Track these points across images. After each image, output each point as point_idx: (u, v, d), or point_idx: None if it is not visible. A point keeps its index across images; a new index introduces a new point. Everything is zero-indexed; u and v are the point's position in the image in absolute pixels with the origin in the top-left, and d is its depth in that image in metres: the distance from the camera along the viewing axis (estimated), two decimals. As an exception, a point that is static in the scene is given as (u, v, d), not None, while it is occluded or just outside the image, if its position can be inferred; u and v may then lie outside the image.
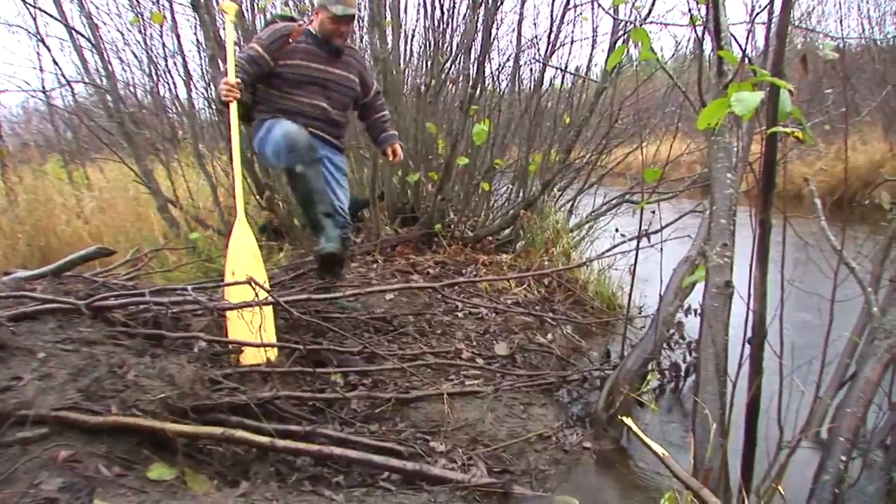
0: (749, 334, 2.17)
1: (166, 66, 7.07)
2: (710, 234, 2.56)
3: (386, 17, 5.73)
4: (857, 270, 2.92)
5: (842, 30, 14.41)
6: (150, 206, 6.95)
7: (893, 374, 3.24)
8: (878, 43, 13.11)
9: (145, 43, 7.02)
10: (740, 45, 3.02)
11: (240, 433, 2.49)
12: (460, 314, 4.59)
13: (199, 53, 6.91)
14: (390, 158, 4.61)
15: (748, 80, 2.05)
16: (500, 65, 7.13)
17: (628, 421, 1.75)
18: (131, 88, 7.92)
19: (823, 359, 2.47)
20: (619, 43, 5.99)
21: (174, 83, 7.26)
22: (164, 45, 7.00)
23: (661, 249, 3.63)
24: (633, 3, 5.78)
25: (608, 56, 6.13)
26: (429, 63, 6.56)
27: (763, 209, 2.04)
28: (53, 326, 2.89)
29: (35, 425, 2.20)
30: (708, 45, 3.05)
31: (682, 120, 7.49)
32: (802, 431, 2.62)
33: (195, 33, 6.59)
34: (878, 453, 3.11)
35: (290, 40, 4.13)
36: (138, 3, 6.98)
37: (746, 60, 2.69)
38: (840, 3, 13.87)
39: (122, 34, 7.33)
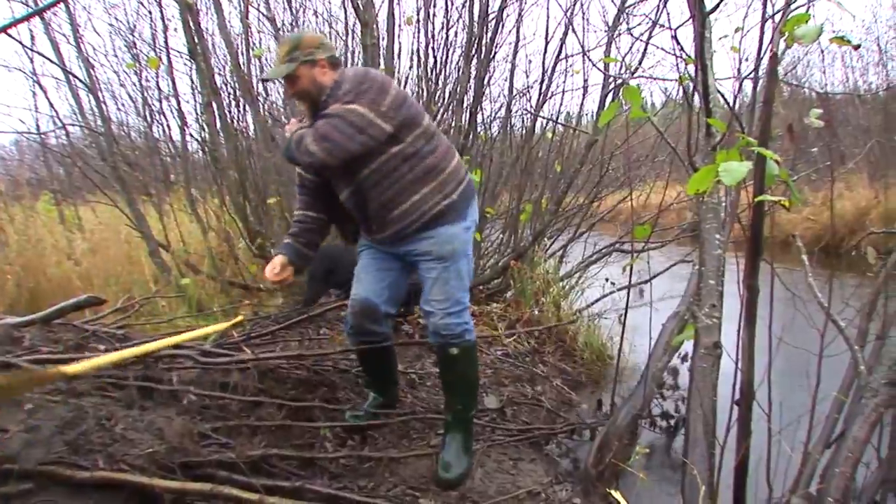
0: (737, 395, 2.19)
1: (160, 107, 7.15)
2: (699, 294, 2.58)
3: (380, 65, 5.79)
4: (844, 329, 2.95)
5: (824, 79, 14.67)
6: (141, 249, 6.94)
7: (882, 431, 3.26)
8: (862, 94, 13.34)
9: (140, 84, 7.10)
10: (728, 104, 3.08)
11: (228, 489, 2.47)
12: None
13: (194, 95, 6.98)
14: None
15: (736, 145, 2.10)
16: (492, 113, 7.22)
17: (618, 495, 1.75)
18: (125, 129, 7.99)
19: (812, 417, 2.49)
20: (610, 96, 6.09)
21: (168, 125, 7.34)
22: (158, 87, 7.08)
23: (651, 303, 3.65)
24: (623, 59, 5.90)
25: (599, 107, 6.23)
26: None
27: (750, 274, 2.07)
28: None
29: (20, 480, 2.18)
30: (697, 102, 3.10)
31: (672, 168, 7.59)
32: (792, 490, 2.63)
33: (190, 76, 6.67)
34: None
35: None
36: (135, 45, 7.09)
37: (734, 118, 2.75)
38: (824, 54, 14.09)
39: (118, 74, 7.42)
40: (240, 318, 3.47)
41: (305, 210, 3.22)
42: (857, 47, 2.15)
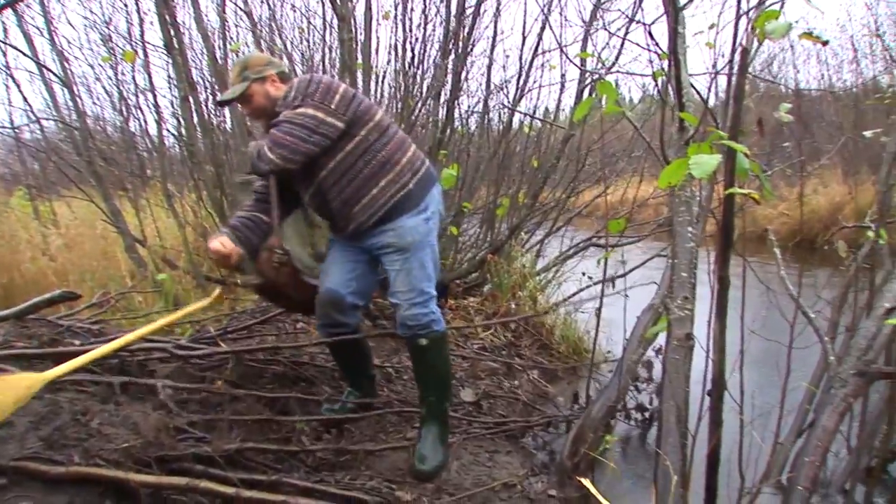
0: (709, 386, 2.22)
1: (137, 102, 7.09)
2: (671, 286, 2.61)
3: (357, 60, 5.78)
4: (814, 319, 3.00)
5: (795, 77, 14.79)
6: (117, 244, 6.89)
7: (852, 422, 3.32)
8: (835, 90, 13.51)
9: (116, 78, 7.04)
10: (702, 98, 3.11)
11: (204, 483, 2.48)
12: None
13: (171, 90, 6.93)
14: None
15: (708, 139, 2.12)
16: (469, 108, 7.23)
17: (587, 482, 1.77)
18: (101, 123, 7.92)
19: (782, 407, 2.53)
20: (586, 92, 6.12)
21: (144, 120, 7.27)
22: (134, 81, 7.02)
23: (626, 295, 3.68)
24: (599, 55, 5.93)
25: (575, 103, 6.25)
26: (399, 106, 6.63)
27: (721, 266, 2.10)
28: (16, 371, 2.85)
29: (-6, 476, 2.18)
30: (671, 96, 3.12)
31: (649, 163, 7.63)
32: (762, 479, 2.67)
33: (167, 71, 6.61)
34: (838, 498, 3.18)
35: None
36: (110, 38, 7.02)
37: (708, 114, 2.78)
38: (797, 51, 14.23)
39: (93, 68, 7.35)
40: (217, 291, 3.45)
41: (253, 211, 3.24)
42: (825, 43, 2.18)
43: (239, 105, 3.27)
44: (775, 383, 3.28)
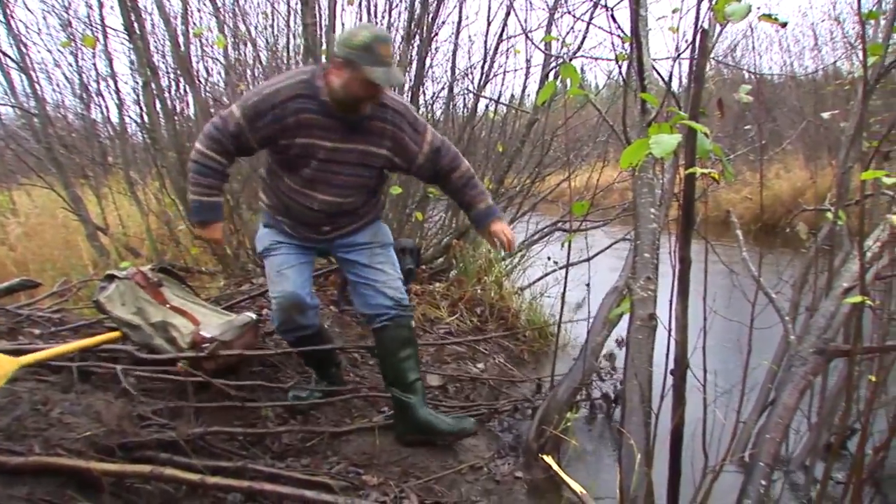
0: (672, 365, 2.24)
1: (98, 88, 6.97)
2: (634, 267, 2.63)
3: (322, 45, 5.72)
4: (776, 299, 3.04)
5: (756, 62, 14.94)
6: (78, 233, 6.79)
7: (812, 400, 3.38)
8: (798, 76, 13.65)
9: (77, 64, 6.91)
10: (665, 81, 3.13)
11: (169, 470, 2.45)
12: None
13: (133, 76, 6.81)
14: (499, 247, 3.36)
15: (670, 120, 2.13)
16: (434, 94, 7.20)
17: (549, 459, 1.79)
18: (61, 110, 7.77)
19: (744, 386, 2.56)
20: (550, 76, 6.12)
21: (106, 106, 7.16)
22: (95, 66, 6.90)
23: (589, 281, 3.70)
24: (563, 40, 5.92)
25: (540, 87, 6.25)
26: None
27: (682, 246, 2.11)
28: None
29: (-47, 467, 2.14)
30: (634, 80, 3.14)
31: (614, 148, 7.66)
32: (725, 457, 2.70)
33: (129, 57, 6.50)
34: (799, 474, 3.24)
35: (288, 108, 2.90)
36: (70, 24, 6.88)
37: (670, 97, 2.80)
38: (762, 38, 14.39)
39: (52, 53, 7.21)
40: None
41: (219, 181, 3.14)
42: (783, 25, 2.20)
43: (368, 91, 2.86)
44: (737, 363, 3.31)
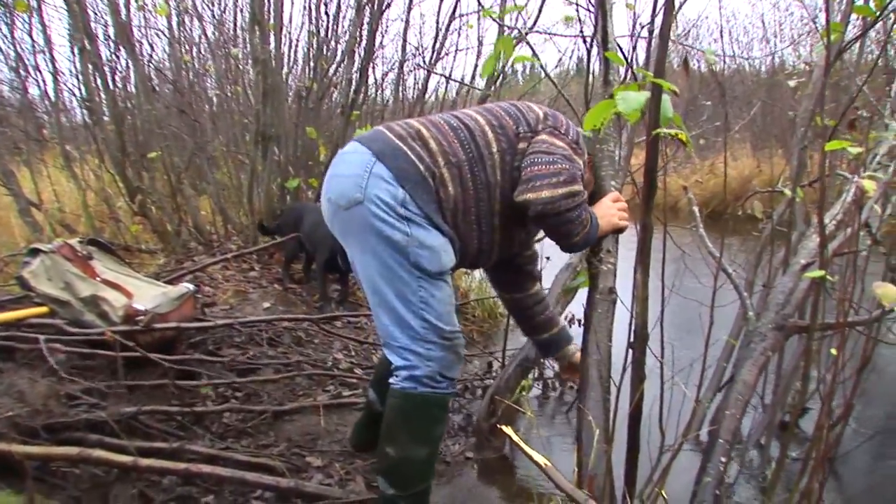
0: (632, 339, 2.15)
1: (35, 62, 6.64)
2: (593, 238, 2.53)
3: (270, 20, 5.54)
4: (733, 275, 2.98)
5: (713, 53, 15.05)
6: (10, 209, 6.48)
7: (766, 379, 3.34)
8: (748, 66, 13.85)
9: (11, 35, 6.57)
10: (625, 56, 3.04)
11: (98, 453, 2.33)
12: (338, 323, 4.44)
13: (71, 48, 6.50)
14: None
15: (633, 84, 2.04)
16: (384, 73, 7.07)
17: (508, 430, 1.67)
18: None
19: (704, 362, 2.49)
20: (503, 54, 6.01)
21: (44, 80, 6.83)
22: (31, 36, 6.57)
23: (548, 257, 3.61)
24: (519, 13, 5.82)
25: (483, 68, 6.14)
26: (312, 66, 6.42)
27: (645, 212, 2.01)
28: None
29: None
30: (595, 57, 3.04)
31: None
32: (684, 435, 2.63)
33: (67, 27, 6.19)
34: (754, 453, 3.19)
35: None
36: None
37: (631, 67, 2.71)
38: (712, 27, 14.48)
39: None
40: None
41: None
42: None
43: None
44: (691, 343, 3.27)
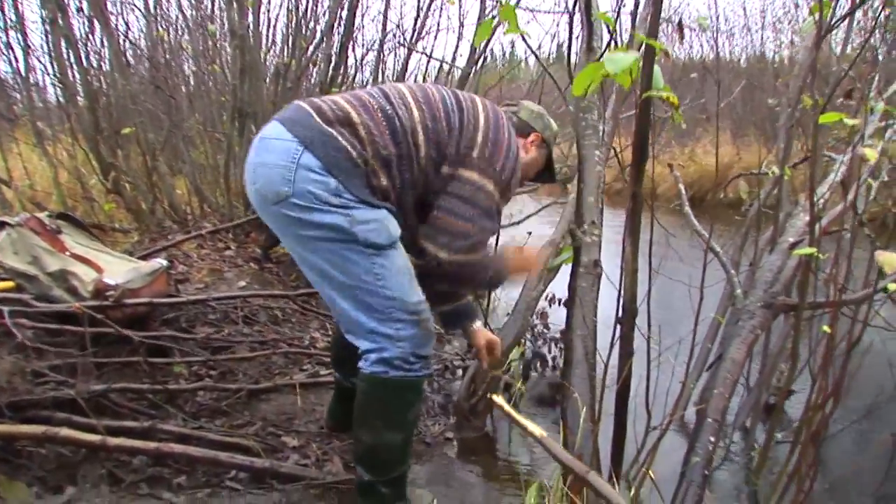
0: (619, 314, 2.09)
1: (7, 39, 6.45)
2: (577, 212, 2.46)
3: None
4: (721, 252, 2.93)
5: (693, 44, 15.07)
6: (-21, 186, 6.33)
7: (750, 361, 3.30)
8: (728, 56, 13.94)
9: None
10: (608, 26, 2.97)
11: (65, 431, 2.23)
12: (315, 302, 4.34)
13: (44, 24, 6.32)
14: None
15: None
16: (364, 52, 6.97)
17: (499, 399, 1.60)
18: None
19: (694, 339, 2.43)
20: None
21: (16, 58, 6.65)
22: (3, 12, 6.39)
23: (529, 232, 3.55)
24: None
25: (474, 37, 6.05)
26: (290, 44, 6.30)
27: (635, 181, 1.95)
28: None
29: None
30: (578, 32, 2.96)
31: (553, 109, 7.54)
32: (672, 414, 2.58)
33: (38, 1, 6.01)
34: (738, 435, 3.16)
35: None
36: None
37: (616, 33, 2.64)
38: (693, 16, 14.49)
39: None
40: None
41: None
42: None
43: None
44: (674, 325, 3.22)
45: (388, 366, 2.07)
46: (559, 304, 4.07)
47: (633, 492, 2.27)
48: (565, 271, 3.08)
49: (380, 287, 2.04)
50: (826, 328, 2.17)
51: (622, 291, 2.07)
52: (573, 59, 2.80)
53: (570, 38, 2.98)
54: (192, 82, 6.81)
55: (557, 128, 2.53)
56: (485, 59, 6.47)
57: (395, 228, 2.09)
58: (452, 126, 2.14)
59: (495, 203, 2.15)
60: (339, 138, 2.00)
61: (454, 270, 2.13)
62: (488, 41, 5.91)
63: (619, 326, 2.08)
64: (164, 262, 3.35)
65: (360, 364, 2.11)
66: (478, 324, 2.64)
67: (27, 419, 2.34)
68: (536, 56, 3.67)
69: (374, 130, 2.04)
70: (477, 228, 2.10)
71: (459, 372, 3.73)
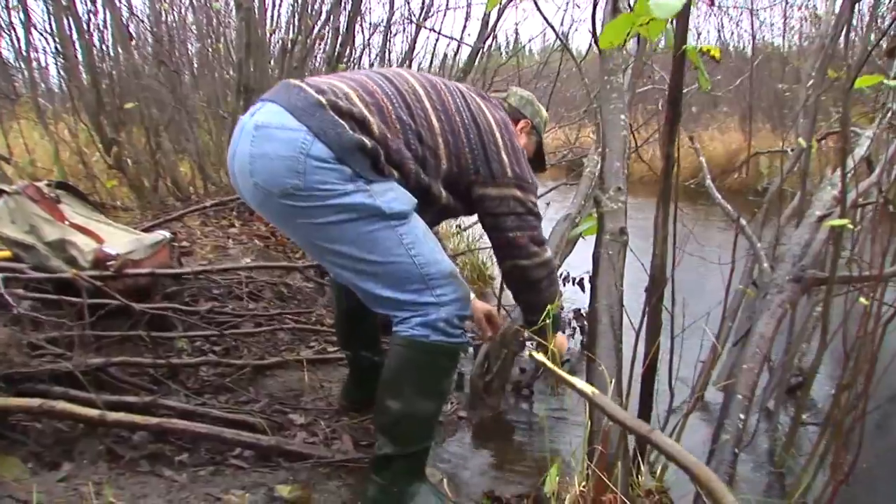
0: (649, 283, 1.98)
1: (9, 19, 6.36)
2: (602, 178, 2.35)
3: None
4: (745, 226, 2.83)
5: (701, 29, 14.97)
6: (-21, 163, 6.24)
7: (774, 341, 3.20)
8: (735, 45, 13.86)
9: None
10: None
11: (62, 405, 2.16)
12: (323, 279, 4.26)
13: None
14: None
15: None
16: (371, 29, 6.86)
17: (540, 356, 1.49)
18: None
19: (724, 314, 2.32)
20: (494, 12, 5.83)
21: (17, 37, 6.55)
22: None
23: (548, 203, 3.45)
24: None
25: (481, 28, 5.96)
26: (296, 21, 6.20)
27: (667, 142, 1.83)
28: None
29: None
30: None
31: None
32: (702, 390, 2.47)
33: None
34: (759, 417, 3.06)
35: None
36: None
37: None
38: (703, 9, 14.34)
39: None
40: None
41: None
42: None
43: None
44: (694, 304, 3.11)
45: (431, 329, 1.99)
46: (573, 284, 3.98)
47: (658, 472, 2.18)
48: (581, 248, 2.99)
49: (413, 256, 1.97)
50: (864, 300, 2.05)
51: (653, 258, 1.95)
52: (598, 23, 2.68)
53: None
54: (195, 62, 6.75)
55: (546, 115, 2.57)
56: (495, 37, 6.38)
57: (409, 195, 2.02)
58: (473, 145, 2.14)
59: (533, 200, 2.24)
60: (352, 132, 1.90)
61: (538, 272, 2.24)
62: (499, 17, 5.83)
63: (646, 296, 1.97)
64: (167, 234, 3.25)
65: (398, 328, 2.02)
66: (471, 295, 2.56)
67: (23, 392, 2.26)
68: (551, 26, 3.56)
69: (392, 145, 1.98)
70: (535, 230, 2.23)
71: (471, 350, 3.64)
